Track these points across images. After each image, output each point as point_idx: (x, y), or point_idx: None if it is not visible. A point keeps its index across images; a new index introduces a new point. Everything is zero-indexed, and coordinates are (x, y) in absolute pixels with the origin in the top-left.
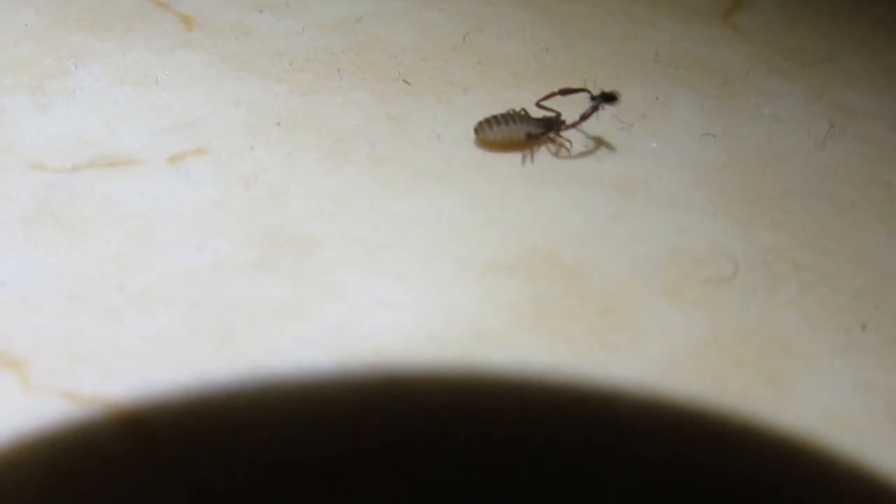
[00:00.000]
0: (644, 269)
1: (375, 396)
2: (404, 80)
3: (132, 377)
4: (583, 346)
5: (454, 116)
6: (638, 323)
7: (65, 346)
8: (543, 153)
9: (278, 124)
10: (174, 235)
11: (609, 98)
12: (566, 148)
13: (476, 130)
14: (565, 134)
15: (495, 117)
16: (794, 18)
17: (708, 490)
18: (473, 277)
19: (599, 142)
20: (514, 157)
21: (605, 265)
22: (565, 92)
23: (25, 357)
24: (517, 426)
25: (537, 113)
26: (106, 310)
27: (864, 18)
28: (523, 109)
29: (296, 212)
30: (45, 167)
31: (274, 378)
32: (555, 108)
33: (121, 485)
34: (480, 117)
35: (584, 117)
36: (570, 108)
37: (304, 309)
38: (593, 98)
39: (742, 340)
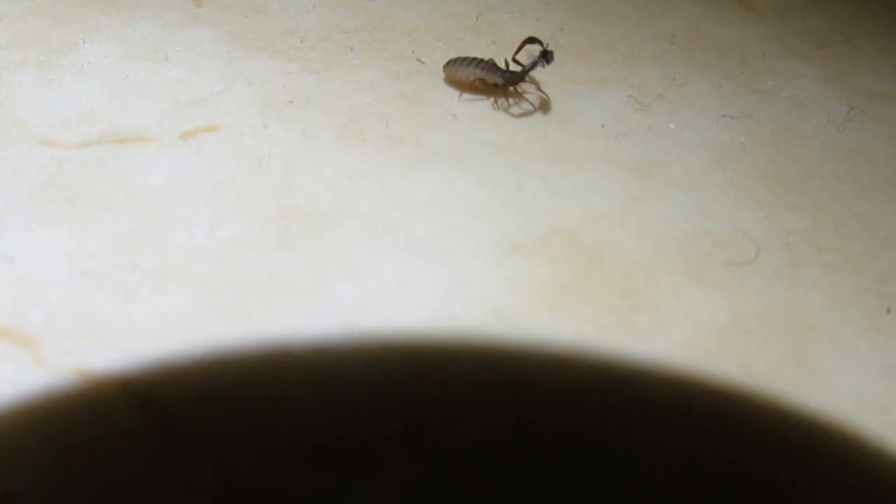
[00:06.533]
0: (665, 250)
1: (393, 375)
2: (418, 59)
3: (146, 355)
4: (604, 326)
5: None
6: (660, 304)
7: (77, 324)
8: (553, 128)
9: (291, 102)
10: (187, 212)
11: (546, 56)
12: (524, 99)
13: (444, 67)
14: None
15: (463, 58)
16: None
17: (732, 471)
18: (492, 257)
19: (546, 107)
20: (530, 137)
21: (626, 246)
22: (531, 41)
23: (38, 334)
24: (537, 407)
25: (514, 67)
26: (119, 287)
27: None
28: (505, 60)
29: (310, 189)
30: (55, 143)
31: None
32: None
33: (133, 462)
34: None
35: (526, 70)
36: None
37: (320, 287)
38: (542, 51)
39: (766, 322)
